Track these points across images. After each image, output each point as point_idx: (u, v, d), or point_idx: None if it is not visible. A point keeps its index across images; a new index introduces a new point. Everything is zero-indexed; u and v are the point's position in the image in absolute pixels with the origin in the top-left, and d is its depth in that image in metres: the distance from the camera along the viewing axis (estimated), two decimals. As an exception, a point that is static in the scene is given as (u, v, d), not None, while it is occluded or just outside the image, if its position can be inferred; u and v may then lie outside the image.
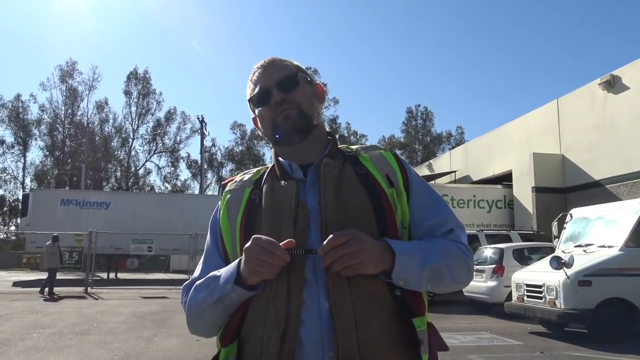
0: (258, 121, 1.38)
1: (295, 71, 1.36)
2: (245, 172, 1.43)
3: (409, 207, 1.30)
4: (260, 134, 1.41)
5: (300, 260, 1.17)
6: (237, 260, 1.21)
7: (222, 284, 1.20)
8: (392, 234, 1.23)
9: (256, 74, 1.37)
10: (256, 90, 1.34)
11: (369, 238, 1.15)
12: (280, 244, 1.14)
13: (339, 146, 1.39)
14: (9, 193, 51.28)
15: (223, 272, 1.22)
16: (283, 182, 1.29)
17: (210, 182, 53.17)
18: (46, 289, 15.28)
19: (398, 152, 56.34)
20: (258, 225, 1.23)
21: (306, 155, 1.32)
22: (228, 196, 1.35)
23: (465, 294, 12.09)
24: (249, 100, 1.38)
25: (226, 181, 1.42)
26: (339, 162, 1.31)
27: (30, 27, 70.33)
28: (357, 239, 1.12)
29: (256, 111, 1.36)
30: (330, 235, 1.13)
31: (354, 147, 1.40)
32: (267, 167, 1.39)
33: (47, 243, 16.02)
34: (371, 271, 1.15)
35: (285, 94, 1.30)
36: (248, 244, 1.15)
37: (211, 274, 1.25)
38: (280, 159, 1.35)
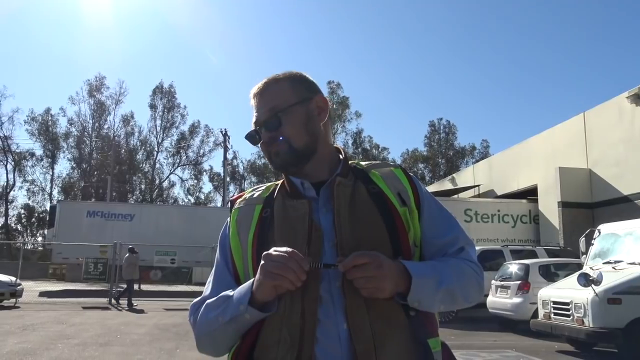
0: None
1: (283, 104, 1.30)
2: (255, 188, 1.41)
3: (420, 225, 1.29)
4: None
5: (314, 280, 1.15)
6: (250, 281, 1.19)
7: (235, 304, 1.18)
8: (406, 254, 1.22)
9: (252, 101, 1.36)
10: (250, 127, 1.35)
11: (388, 262, 1.13)
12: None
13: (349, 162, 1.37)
14: (37, 204, 52.57)
15: (236, 292, 1.20)
16: (295, 200, 1.28)
17: (233, 195, 53.53)
18: (123, 300, 15.68)
19: (420, 165, 55.72)
20: (271, 245, 1.21)
21: (316, 174, 1.30)
22: (237, 213, 1.33)
23: (490, 310, 11.88)
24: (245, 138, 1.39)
25: (235, 197, 1.41)
26: (350, 180, 1.29)
27: (61, 43, 72.41)
28: (377, 264, 1.11)
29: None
30: (353, 254, 1.12)
31: (363, 163, 1.38)
32: (277, 184, 1.37)
33: (126, 255, 16.37)
34: (386, 296, 1.14)
35: (274, 132, 1.29)
36: (267, 252, 1.15)
37: (223, 293, 1.23)
38: (291, 176, 1.33)
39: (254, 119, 1.33)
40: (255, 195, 1.36)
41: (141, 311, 14.44)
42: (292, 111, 1.30)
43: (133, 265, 16.04)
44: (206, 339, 1.26)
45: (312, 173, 1.30)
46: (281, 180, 1.37)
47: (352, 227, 1.21)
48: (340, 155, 1.37)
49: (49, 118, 51.88)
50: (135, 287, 24.20)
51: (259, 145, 1.35)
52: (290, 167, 1.30)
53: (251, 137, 1.35)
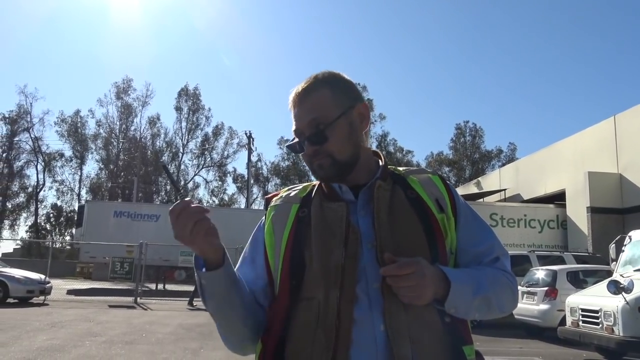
0: None
1: (327, 118, 1.26)
2: (291, 187, 1.40)
3: (456, 232, 1.29)
4: None
5: (351, 280, 1.15)
6: None
7: (198, 279, 1.21)
8: (442, 260, 1.22)
9: (292, 107, 1.32)
10: (291, 136, 1.32)
11: (430, 270, 1.13)
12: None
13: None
14: (66, 204, 53.71)
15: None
16: (333, 202, 1.27)
17: (256, 197, 53.92)
18: (196, 301, 16.10)
19: (446, 169, 55.12)
20: (307, 245, 1.21)
21: (355, 178, 1.29)
22: (273, 212, 1.32)
23: (516, 317, 11.68)
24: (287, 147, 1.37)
25: (270, 196, 1.40)
26: (389, 185, 1.29)
27: (91, 46, 74.00)
28: (420, 273, 1.10)
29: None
30: (397, 262, 1.11)
31: (401, 168, 1.37)
32: (314, 185, 1.36)
33: None
34: (425, 302, 1.13)
35: (318, 146, 1.26)
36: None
37: None
38: None
39: (294, 127, 1.31)
40: (292, 194, 1.35)
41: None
42: (336, 125, 1.27)
43: None
44: (220, 331, 1.28)
45: (351, 178, 1.29)
46: (317, 181, 1.36)
47: (392, 230, 1.20)
48: (380, 161, 1.35)
49: (78, 120, 53.10)
50: (160, 286, 24.62)
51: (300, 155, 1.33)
52: (333, 179, 1.28)
53: (293, 148, 1.31)
